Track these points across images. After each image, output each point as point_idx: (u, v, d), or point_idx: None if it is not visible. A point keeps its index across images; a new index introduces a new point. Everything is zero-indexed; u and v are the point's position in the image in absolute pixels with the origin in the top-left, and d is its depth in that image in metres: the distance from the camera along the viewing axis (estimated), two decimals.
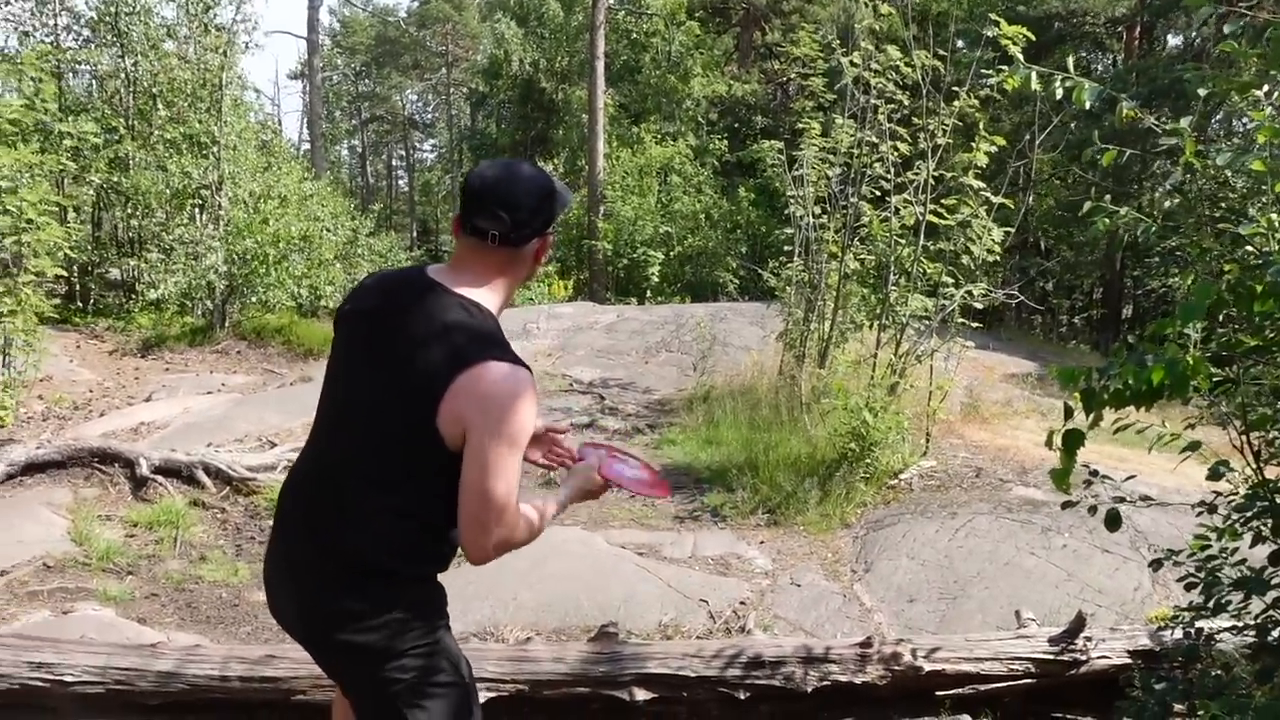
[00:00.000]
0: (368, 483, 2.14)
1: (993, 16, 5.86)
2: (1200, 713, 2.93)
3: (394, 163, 54.11)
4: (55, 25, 14.42)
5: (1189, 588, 3.13)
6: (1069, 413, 2.47)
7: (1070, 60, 2.96)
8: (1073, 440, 2.45)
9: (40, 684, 3.38)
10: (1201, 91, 2.89)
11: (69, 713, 3.41)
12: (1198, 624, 3.25)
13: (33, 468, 6.29)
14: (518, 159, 2.32)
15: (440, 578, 2.31)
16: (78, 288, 13.41)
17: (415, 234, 40.02)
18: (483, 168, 2.18)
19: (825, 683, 3.71)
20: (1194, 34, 21.71)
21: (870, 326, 8.16)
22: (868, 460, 6.43)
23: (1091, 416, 2.43)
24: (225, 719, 3.53)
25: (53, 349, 8.99)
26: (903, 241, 7.58)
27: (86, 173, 12.43)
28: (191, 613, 4.82)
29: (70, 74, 14.38)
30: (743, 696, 3.68)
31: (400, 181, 53.37)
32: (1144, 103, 3.19)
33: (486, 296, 2.18)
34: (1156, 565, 3.27)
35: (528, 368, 2.09)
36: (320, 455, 2.29)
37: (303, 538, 2.25)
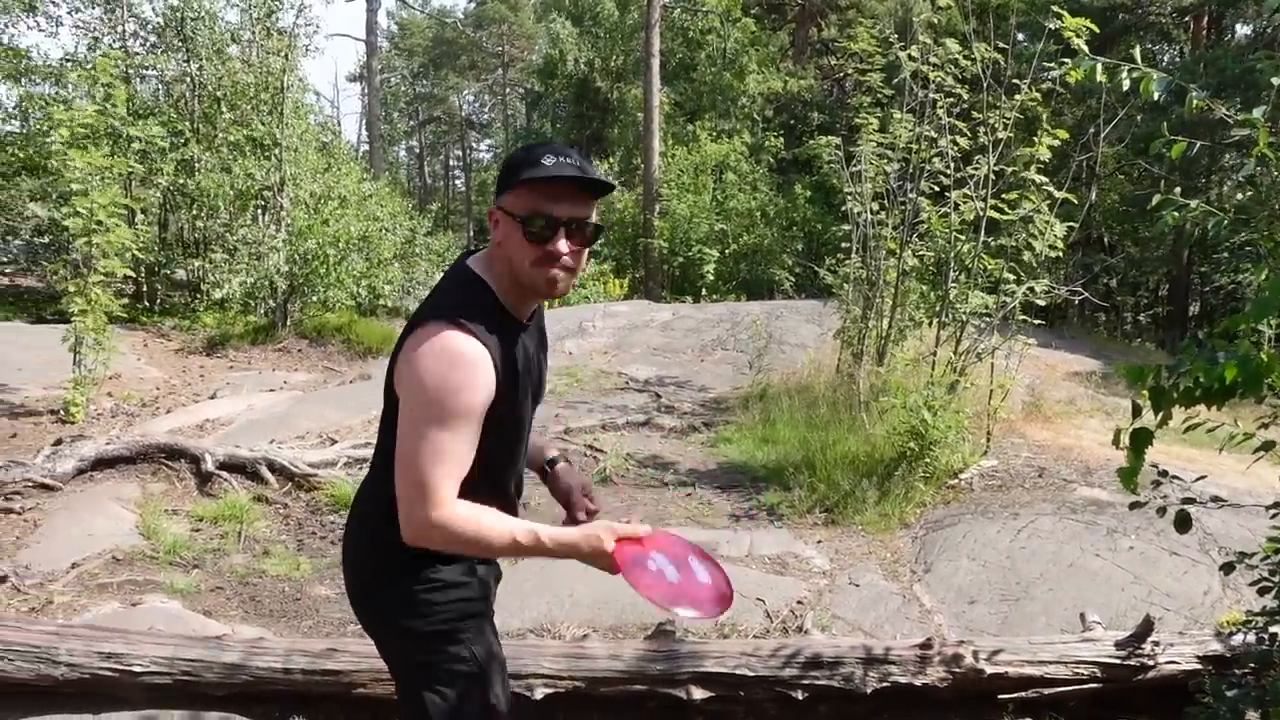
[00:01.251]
0: (384, 460, 2.11)
1: (1055, 8, 5.75)
2: None
3: (451, 163, 54.63)
4: (123, 31, 14.76)
5: (1262, 591, 3.05)
6: (1137, 411, 2.42)
7: (1137, 51, 2.90)
8: (1141, 439, 2.39)
9: (110, 674, 3.46)
10: (1275, 81, 2.81)
11: (138, 702, 3.49)
12: (1271, 629, 3.16)
13: (102, 463, 6.44)
14: (549, 139, 2.22)
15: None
16: (145, 288, 13.74)
17: (472, 233, 40.31)
18: (530, 147, 2.09)
19: (885, 684, 3.67)
20: (1264, 23, 21.14)
21: (929, 324, 8.06)
22: (927, 459, 6.35)
23: (1160, 415, 2.37)
24: (287, 710, 3.58)
25: (121, 347, 9.19)
26: (963, 237, 7.47)
27: (154, 175, 12.70)
28: (255, 606, 4.90)
29: (138, 79, 14.70)
30: (800, 697, 3.65)
31: (457, 181, 53.86)
32: (1213, 94, 3.11)
33: (481, 263, 2.12)
34: (1228, 569, 3.19)
35: (476, 334, 1.96)
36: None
37: (351, 526, 2.33)
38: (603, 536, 2.11)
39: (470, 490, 2.00)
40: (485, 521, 1.99)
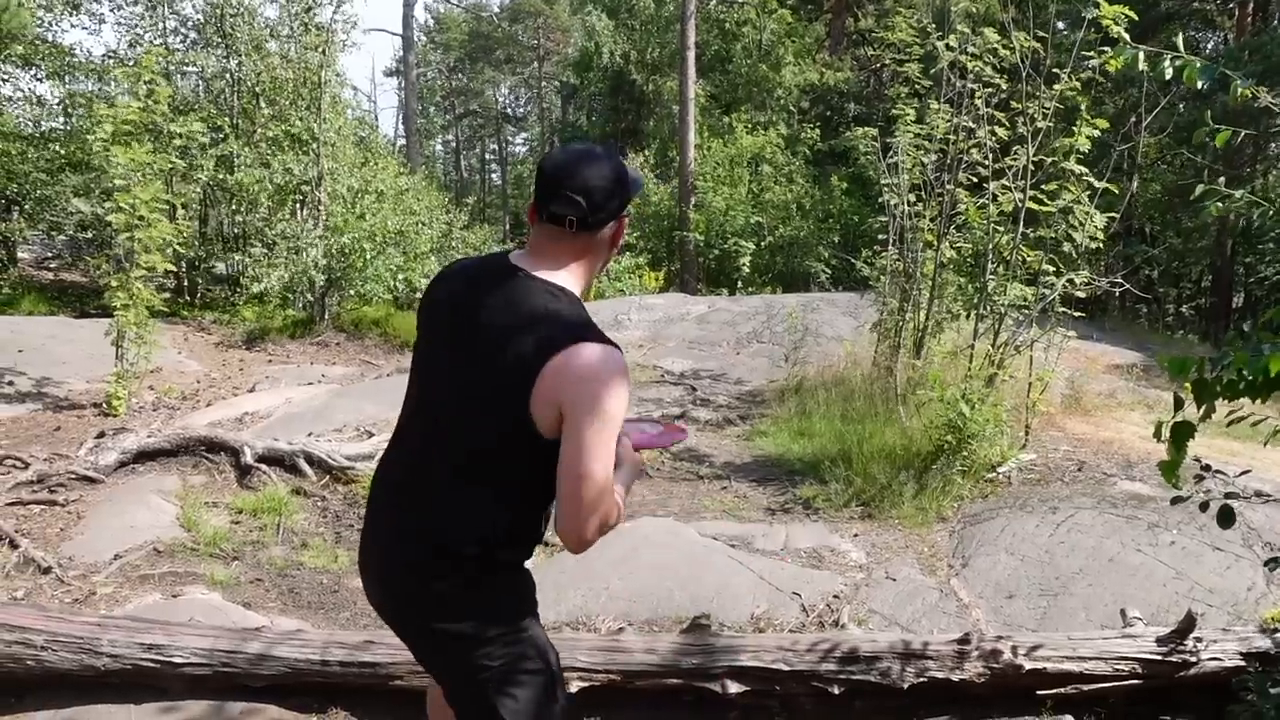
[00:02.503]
0: (456, 469, 2.15)
1: None
2: None
3: (487, 156, 54.82)
4: (164, 28, 14.94)
5: None
6: (1179, 404, 2.38)
7: (1180, 39, 2.84)
8: (1182, 432, 2.36)
9: (151, 665, 3.51)
10: None
11: (178, 692, 3.53)
12: None
13: (144, 456, 6.52)
14: (589, 143, 2.30)
15: (533, 566, 2.32)
16: (186, 282, 13.92)
17: (508, 226, 40.40)
18: (555, 153, 2.18)
19: (922, 679, 3.64)
20: None
21: (967, 316, 7.98)
22: (964, 453, 6.28)
23: (1204, 408, 2.34)
24: (325, 702, 3.62)
25: (162, 341, 9.31)
26: (1001, 229, 7.39)
27: (194, 171, 12.85)
28: (294, 598, 4.94)
29: (179, 76, 14.88)
30: (836, 691, 3.63)
31: (493, 175, 54.05)
32: (1258, 82, 3.04)
33: (568, 280, 2.17)
34: (1273, 564, 3.14)
35: (619, 349, 2.07)
36: (410, 444, 2.31)
37: (392, 524, 2.27)
38: (634, 456, 2.32)
39: (539, 500, 2.17)
40: (621, 502, 2.12)
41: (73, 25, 16.14)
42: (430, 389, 2.27)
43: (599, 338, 2.06)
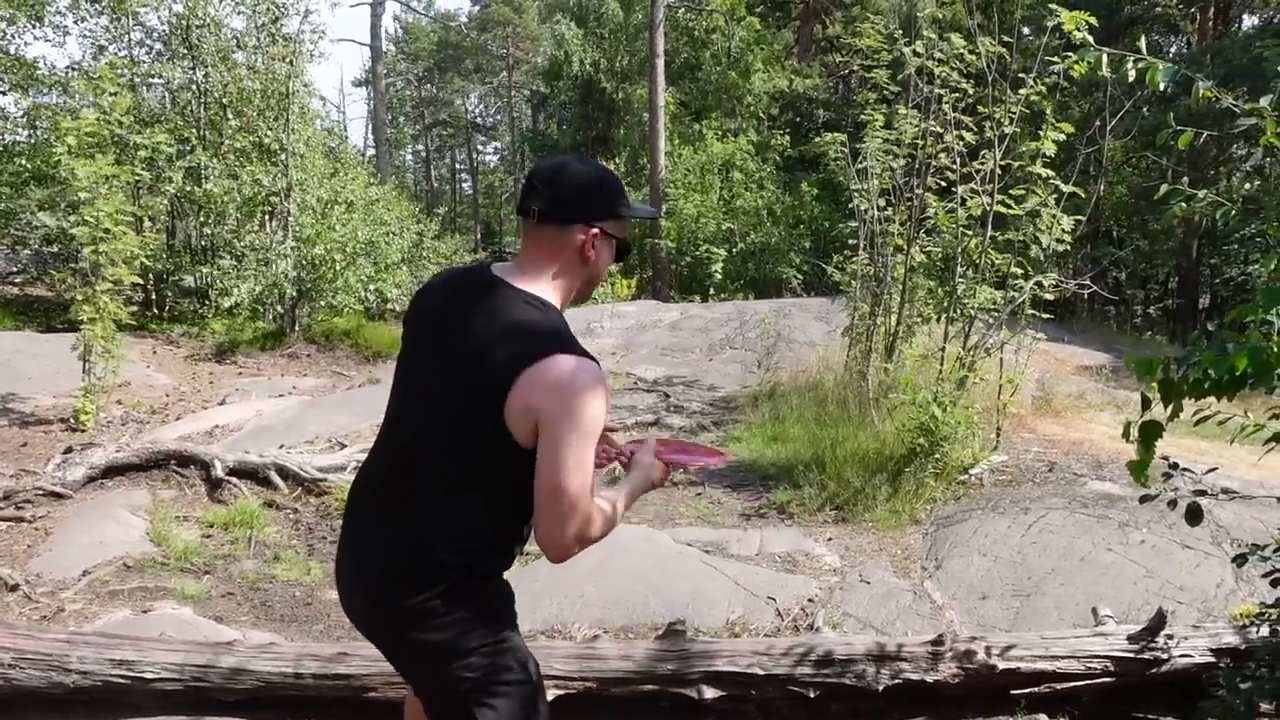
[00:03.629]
0: (436, 480, 2.15)
1: (1052, 5, 5.72)
2: None
3: (457, 166, 54.70)
4: (129, 40, 14.80)
5: (1275, 583, 3.03)
6: (1146, 403, 2.40)
7: (1142, 42, 2.88)
8: (1150, 431, 2.38)
9: (121, 681, 3.46)
10: None
11: (149, 708, 3.49)
12: None
13: (113, 470, 6.46)
14: (583, 157, 2.34)
15: (509, 575, 2.30)
16: (154, 295, 13.76)
17: (479, 236, 40.38)
18: (543, 158, 2.21)
19: (897, 681, 3.65)
20: (1272, 13, 21.03)
21: (938, 320, 8.03)
22: (937, 455, 6.32)
23: (1171, 408, 2.36)
24: (299, 715, 3.58)
25: (130, 355, 9.21)
26: (970, 233, 7.44)
27: (161, 183, 12.73)
28: (266, 611, 4.90)
29: (144, 87, 14.74)
30: (812, 695, 3.64)
31: (464, 185, 53.96)
32: (1220, 85, 3.07)
33: (547, 291, 2.19)
34: (1241, 561, 3.17)
35: (595, 361, 2.08)
36: (389, 453, 2.30)
37: (371, 535, 2.26)
38: (652, 464, 2.32)
39: (519, 510, 2.12)
40: (607, 513, 2.09)
41: (35, 38, 15.95)
42: (411, 399, 2.27)
43: (574, 349, 2.06)
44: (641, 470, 2.30)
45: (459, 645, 2.14)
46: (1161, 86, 2.58)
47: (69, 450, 6.73)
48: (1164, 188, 2.81)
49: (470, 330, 2.14)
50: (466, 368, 2.11)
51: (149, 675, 3.48)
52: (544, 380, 2.01)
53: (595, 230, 2.19)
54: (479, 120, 51.95)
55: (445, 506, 2.14)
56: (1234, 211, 2.78)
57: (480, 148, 53.44)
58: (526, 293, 2.16)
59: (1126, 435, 2.45)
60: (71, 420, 8.00)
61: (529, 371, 2.01)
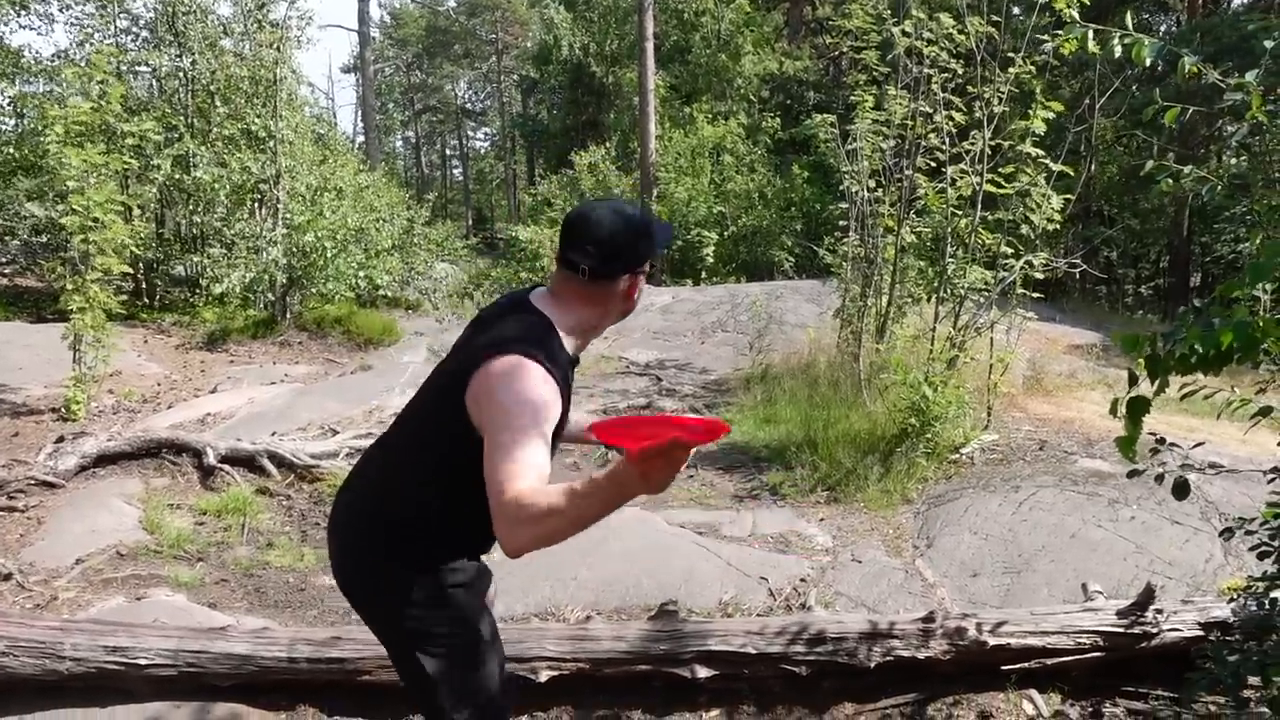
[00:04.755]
0: (404, 454, 2.39)
1: None
2: (1275, 683, 2.86)
3: (448, 152, 54.53)
4: (115, 28, 14.70)
5: (1262, 556, 3.05)
6: (1133, 379, 2.41)
7: (1129, 17, 2.88)
8: (1138, 407, 2.39)
9: (115, 667, 3.47)
10: (1269, 43, 2.79)
11: (144, 695, 3.50)
12: (1272, 594, 3.16)
13: (105, 459, 6.45)
14: (623, 201, 2.45)
15: (499, 561, 2.43)
16: (144, 284, 13.72)
17: (470, 222, 40.27)
18: (585, 205, 2.31)
19: (888, 658, 3.68)
20: None
21: (928, 300, 8.04)
22: (928, 435, 6.35)
23: (1158, 383, 2.37)
24: (294, 699, 3.60)
25: (121, 344, 9.19)
26: (960, 213, 7.44)
27: (150, 171, 12.67)
28: (260, 597, 4.91)
29: (131, 75, 14.65)
30: (804, 673, 3.66)
31: (455, 170, 53.83)
32: (1208, 62, 3.06)
33: (558, 312, 2.28)
34: (1228, 534, 3.20)
35: (546, 359, 2.11)
36: (381, 440, 2.57)
37: (344, 502, 2.51)
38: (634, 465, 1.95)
39: (473, 506, 2.11)
40: (559, 510, 1.88)
41: (21, 26, 15.81)
42: (414, 397, 2.48)
43: (520, 349, 2.11)
44: (621, 474, 1.91)
45: (405, 595, 2.34)
46: (1148, 62, 2.58)
47: (61, 439, 6.70)
48: (1150, 164, 2.81)
49: (471, 340, 2.34)
50: (450, 367, 2.31)
51: (143, 661, 3.49)
52: (484, 380, 2.10)
53: (640, 273, 2.32)
54: (469, 105, 51.75)
55: (406, 476, 2.36)
56: (1219, 187, 2.79)
57: (470, 133, 53.29)
58: (536, 308, 2.29)
59: (1114, 411, 2.46)
60: (63, 410, 7.99)
61: (477, 373, 2.12)
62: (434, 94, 49.36)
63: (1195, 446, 3.09)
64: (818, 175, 20.17)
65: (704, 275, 19.15)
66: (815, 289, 12.70)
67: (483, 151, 52.64)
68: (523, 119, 37.18)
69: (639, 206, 2.42)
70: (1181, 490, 2.75)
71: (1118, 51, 2.66)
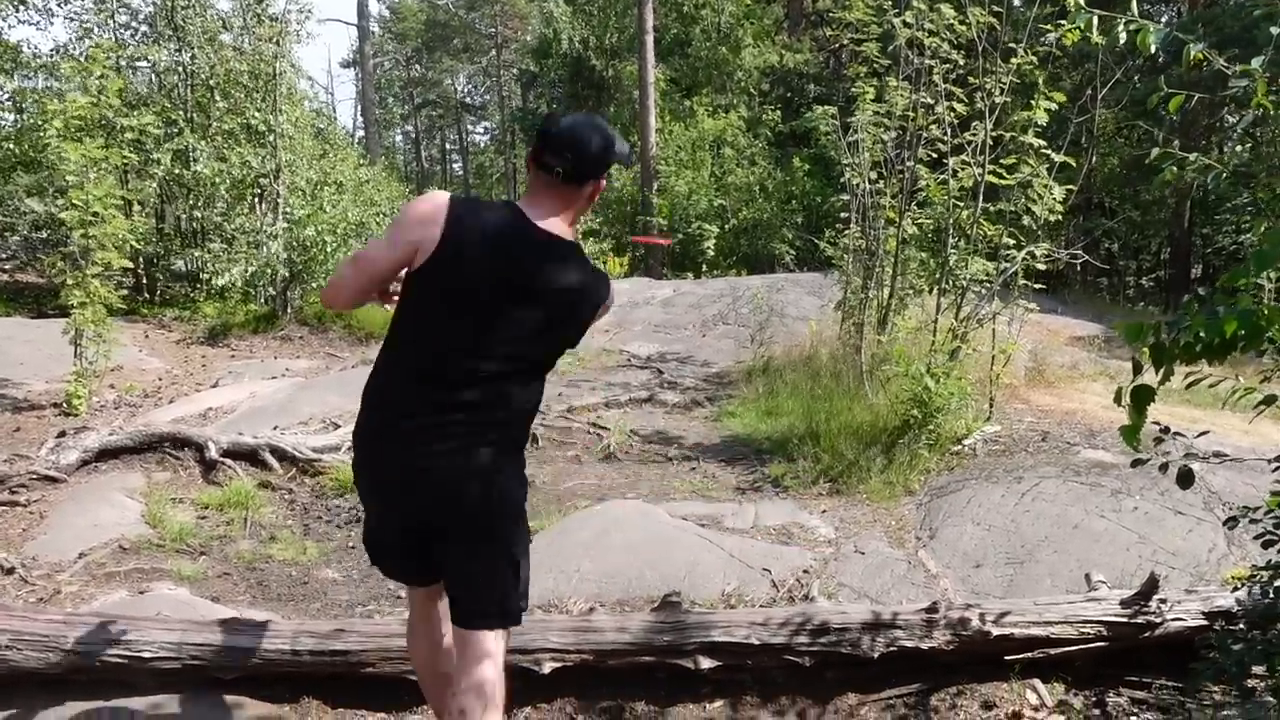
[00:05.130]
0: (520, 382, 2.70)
1: None
2: None
3: (448, 146, 54.44)
4: (114, 23, 14.68)
5: (1266, 545, 3.05)
6: (1137, 368, 2.41)
7: (1134, 3, 2.86)
8: (1142, 396, 2.38)
9: (119, 660, 3.46)
10: (1275, 30, 2.77)
11: (148, 688, 3.49)
12: (1277, 583, 3.16)
13: (106, 454, 6.45)
14: (597, 116, 2.70)
15: None
16: (145, 279, 13.71)
17: None
18: (558, 116, 2.61)
19: (891, 649, 3.67)
20: None
21: (930, 292, 8.03)
22: (930, 427, 6.34)
23: (1162, 372, 2.36)
24: (297, 691, 3.59)
25: (122, 339, 9.19)
26: (961, 204, 7.43)
27: (149, 166, 12.66)
28: (263, 590, 4.91)
29: (130, 70, 14.63)
30: (808, 663, 3.66)
31: (454, 165, 53.71)
32: (1212, 49, 3.04)
33: (529, 208, 2.61)
34: (1232, 523, 3.19)
35: (448, 196, 2.56)
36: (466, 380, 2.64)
37: (469, 424, 2.62)
38: None
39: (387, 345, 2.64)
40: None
41: (20, 21, 15.80)
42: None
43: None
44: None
45: (514, 505, 2.75)
46: (1153, 49, 2.57)
47: (62, 434, 6.71)
48: (1155, 152, 2.80)
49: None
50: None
51: (147, 654, 3.48)
52: None
53: (603, 180, 2.67)
54: (468, 100, 51.65)
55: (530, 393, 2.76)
56: (1225, 174, 2.77)
57: (470, 127, 53.18)
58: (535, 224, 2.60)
59: (1118, 400, 2.45)
60: (64, 405, 7.99)
61: None
62: (433, 88, 49.26)
63: (1200, 435, 3.08)
64: (818, 168, 20.14)
65: (705, 268, 19.15)
66: (816, 281, 12.68)
67: (482, 146, 52.55)
68: (522, 113, 37.09)
69: (608, 122, 2.69)
70: (1185, 480, 2.75)
71: (1123, 39, 2.64)
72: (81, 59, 12.14)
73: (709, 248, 19.55)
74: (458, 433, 2.54)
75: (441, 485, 2.56)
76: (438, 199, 2.54)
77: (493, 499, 2.61)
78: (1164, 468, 2.89)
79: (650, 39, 20.74)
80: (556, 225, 2.59)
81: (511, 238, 2.54)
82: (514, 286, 2.53)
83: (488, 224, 2.54)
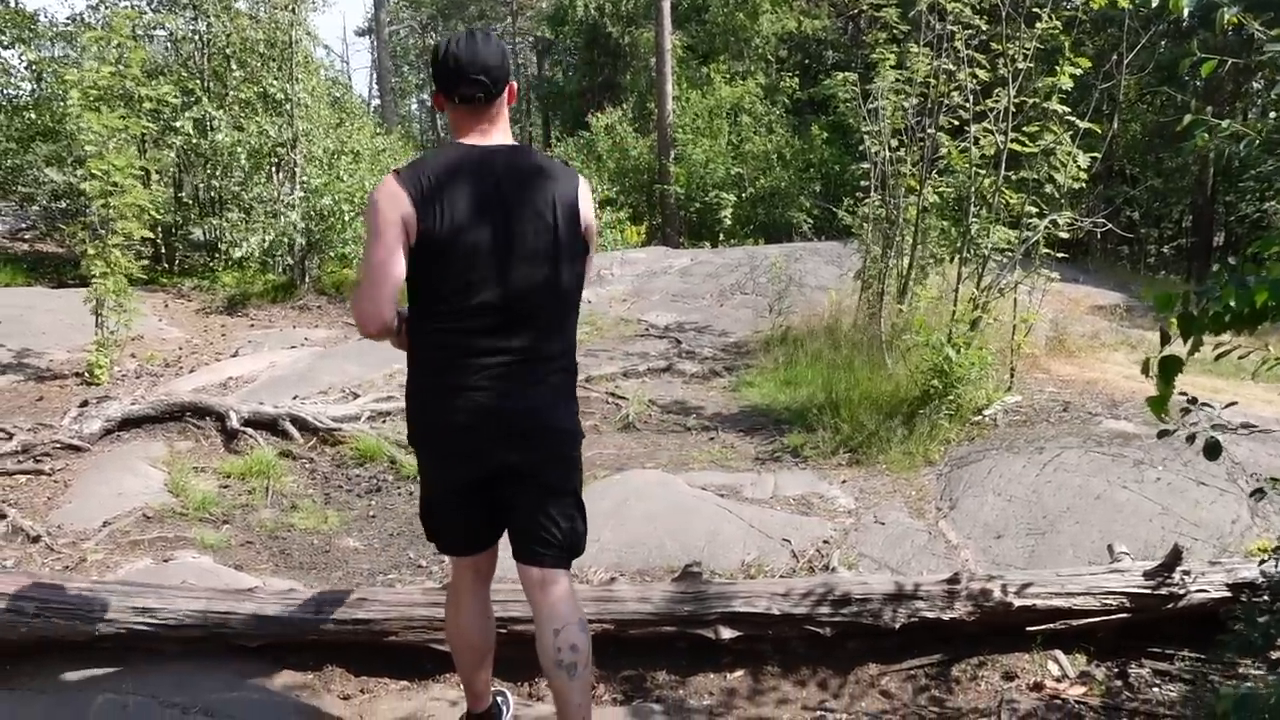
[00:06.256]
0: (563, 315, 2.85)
1: None
2: None
3: None
4: None
5: None
6: (1165, 339, 2.38)
7: None
8: (1170, 366, 2.36)
9: (144, 628, 3.50)
10: None
11: (173, 655, 3.53)
12: None
13: (129, 423, 6.50)
14: (472, 28, 2.76)
15: None
16: (163, 249, 13.74)
17: None
18: (450, 45, 2.61)
19: (913, 619, 3.67)
20: None
21: (951, 260, 7.97)
22: (951, 397, 6.30)
23: (1190, 343, 2.34)
24: (320, 659, 3.62)
25: (142, 309, 9.23)
26: (983, 172, 7.35)
27: (168, 135, 12.66)
28: (285, 559, 4.95)
29: (147, 40, 14.58)
30: (828, 634, 3.67)
31: None
32: (1247, 12, 2.98)
33: (506, 138, 2.71)
34: (1259, 495, 3.16)
35: (395, 175, 2.57)
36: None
37: (525, 363, 2.73)
38: None
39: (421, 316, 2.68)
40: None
41: None
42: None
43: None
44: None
45: (576, 431, 2.90)
46: (1185, 13, 2.52)
47: (85, 403, 6.76)
48: (1187, 118, 2.74)
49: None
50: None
51: (172, 622, 3.51)
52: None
53: (513, 81, 2.70)
54: None
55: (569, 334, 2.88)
56: (1258, 140, 2.72)
57: None
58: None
59: (1146, 370, 2.43)
60: (86, 374, 8.05)
61: None
62: None
63: (1228, 406, 3.05)
64: (837, 136, 19.96)
65: (722, 237, 19.04)
66: (835, 250, 12.61)
67: None
68: (538, 81, 36.91)
69: (487, 29, 2.82)
70: (1213, 451, 2.72)
71: (1155, 2, 2.59)
72: (99, 28, 12.11)
73: (726, 216, 19.44)
74: (522, 372, 2.66)
75: (526, 416, 2.68)
76: (387, 179, 2.58)
77: (567, 429, 2.79)
78: (1191, 438, 2.86)
79: (667, 5, 20.53)
80: (506, 139, 2.69)
81: (478, 168, 2.61)
82: (507, 208, 2.60)
83: (448, 171, 2.59)
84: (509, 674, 3.48)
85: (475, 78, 2.57)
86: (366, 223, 2.62)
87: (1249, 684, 3.30)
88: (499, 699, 3.25)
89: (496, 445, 2.70)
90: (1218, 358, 2.64)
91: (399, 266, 2.54)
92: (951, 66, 7.42)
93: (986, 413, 6.43)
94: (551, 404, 2.73)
